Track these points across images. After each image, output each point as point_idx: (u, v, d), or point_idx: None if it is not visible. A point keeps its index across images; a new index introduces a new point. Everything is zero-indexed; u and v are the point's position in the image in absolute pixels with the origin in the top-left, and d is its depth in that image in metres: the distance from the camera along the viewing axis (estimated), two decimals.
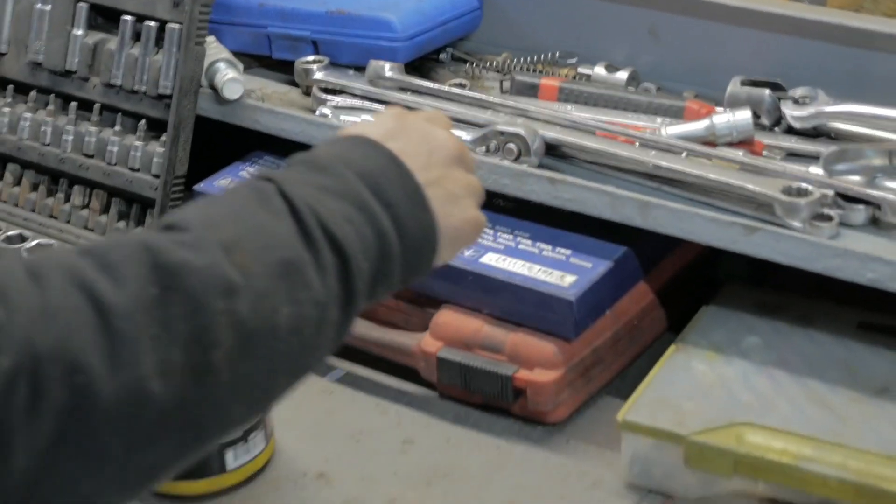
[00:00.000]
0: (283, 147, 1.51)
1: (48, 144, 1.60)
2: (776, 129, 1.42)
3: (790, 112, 1.39)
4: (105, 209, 1.58)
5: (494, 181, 1.38)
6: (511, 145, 1.39)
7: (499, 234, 1.40)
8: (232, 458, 1.28)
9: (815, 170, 1.31)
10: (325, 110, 1.51)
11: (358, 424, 1.37)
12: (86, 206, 1.59)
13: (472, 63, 1.61)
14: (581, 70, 1.55)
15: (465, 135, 1.40)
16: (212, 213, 0.90)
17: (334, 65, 1.55)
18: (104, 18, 1.59)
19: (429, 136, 1.04)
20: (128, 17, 1.55)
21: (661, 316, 1.43)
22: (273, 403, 0.93)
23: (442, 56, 1.63)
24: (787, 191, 1.27)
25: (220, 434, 0.88)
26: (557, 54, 1.57)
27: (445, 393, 1.39)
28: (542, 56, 1.57)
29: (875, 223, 1.27)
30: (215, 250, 0.85)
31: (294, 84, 1.58)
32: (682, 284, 1.45)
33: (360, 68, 1.54)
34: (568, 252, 1.37)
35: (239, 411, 0.88)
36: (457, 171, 1.05)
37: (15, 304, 0.78)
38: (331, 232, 0.91)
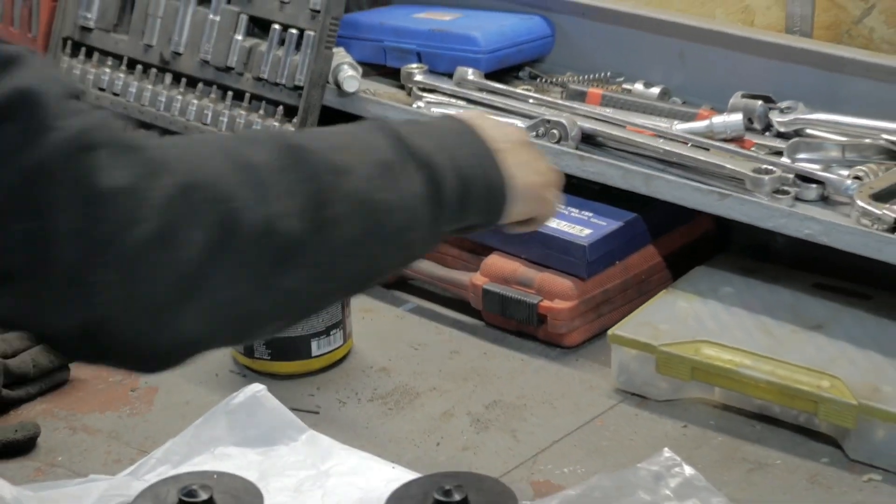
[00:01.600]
0: None
1: (207, 124, 2.05)
2: (767, 133, 1.78)
3: (775, 118, 1.76)
4: None
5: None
6: (554, 131, 1.79)
7: None
8: (316, 347, 1.68)
9: (784, 159, 1.68)
10: (420, 104, 1.93)
11: (418, 339, 1.77)
12: None
13: (542, 79, 2.01)
14: (625, 86, 1.93)
15: (520, 123, 1.81)
16: (326, 133, 1.23)
17: (432, 71, 1.97)
18: (258, 27, 2.03)
19: (500, 125, 1.34)
20: (276, 26, 1.99)
21: (668, 276, 1.79)
22: (368, 283, 1.22)
23: (521, 73, 2.03)
24: (756, 170, 1.64)
25: (332, 287, 1.15)
26: (609, 73, 1.96)
27: (489, 321, 1.78)
28: (597, 74, 1.96)
29: (825, 200, 1.63)
30: (328, 148, 1.15)
31: (401, 87, 2.01)
32: (689, 252, 1.82)
33: (450, 74, 1.96)
34: (590, 214, 1.76)
35: (346, 269, 1.14)
36: (526, 153, 1.32)
37: (182, 154, 1.07)
38: (423, 154, 1.18)
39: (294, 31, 1.98)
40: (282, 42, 1.99)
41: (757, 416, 1.56)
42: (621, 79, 1.95)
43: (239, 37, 2.04)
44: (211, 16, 2.06)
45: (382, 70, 2.05)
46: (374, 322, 1.81)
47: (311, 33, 1.96)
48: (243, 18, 2.04)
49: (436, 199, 1.19)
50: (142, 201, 1.01)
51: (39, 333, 1.09)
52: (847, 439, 1.48)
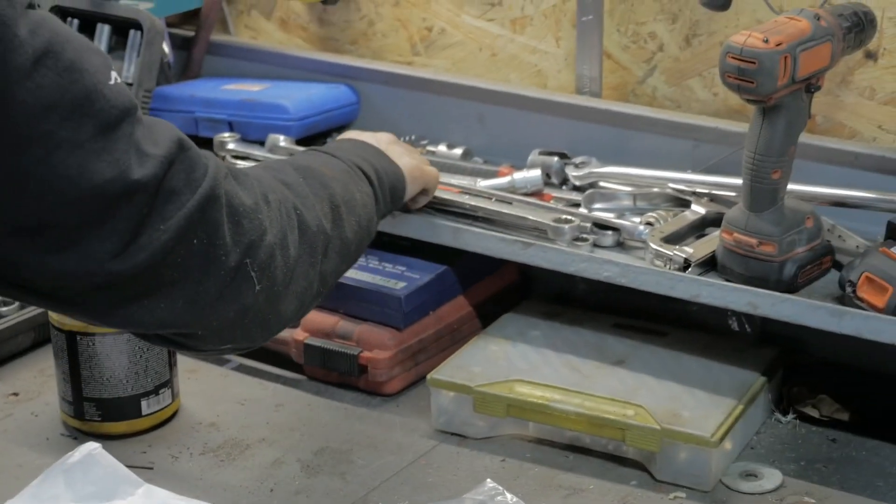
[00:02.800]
0: None
1: None
2: (564, 186, 1.91)
3: (571, 173, 1.89)
4: None
5: None
6: None
7: None
8: (146, 406, 1.73)
9: (582, 209, 1.81)
10: None
11: (244, 395, 1.84)
12: None
13: None
14: (429, 148, 2.04)
15: None
16: (304, 158, 1.59)
17: (245, 140, 2.05)
18: None
19: (375, 133, 1.74)
20: None
21: (478, 324, 1.90)
22: (354, 263, 1.57)
23: (328, 140, 2.13)
24: (557, 220, 1.77)
25: (344, 268, 1.53)
26: (413, 137, 2.07)
27: (310, 374, 1.86)
28: (402, 138, 2.07)
29: (621, 245, 1.76)
30: (317, 165, 1.54)
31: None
32: (497, 301, 1.93)
33: (261, 142, 2.05)
34: (403, 268, 1.86)
35: (349, 253, 1.52)
36: (399, 146, 1.73)
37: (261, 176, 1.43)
38: (358, 164, 1.60)
39: None
40: None
41: (569, 447, 1.67)
42: (425, 142, 2.06)
43: None
44: None
45: (195, 141, 2.12)
46: (199, 381, 1.87)
47: None
48: None
49: (376, 194, 1.61)
50: (264, 216, 1.34)
51: (185, 332, 1.33)
52: (653, 462, 1.61)
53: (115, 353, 1.70)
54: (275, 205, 1.37)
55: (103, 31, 2.07)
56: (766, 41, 1.51)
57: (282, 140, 2.01)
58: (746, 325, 1.84)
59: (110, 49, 2.06)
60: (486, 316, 1.91)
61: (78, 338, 1.69)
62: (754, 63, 1.50)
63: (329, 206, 1.47)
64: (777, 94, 1.53)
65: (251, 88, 2.12)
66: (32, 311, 1.90)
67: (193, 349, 1.39)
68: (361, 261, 1.87)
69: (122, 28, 2.06)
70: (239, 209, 1.30)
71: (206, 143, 2.08)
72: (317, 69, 2.16)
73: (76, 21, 2.08)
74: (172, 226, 1.24)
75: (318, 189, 1.48)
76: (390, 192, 1.65)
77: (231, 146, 2.04)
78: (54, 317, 1.71)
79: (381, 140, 1.71)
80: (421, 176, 1.74)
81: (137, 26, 2.04)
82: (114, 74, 1.22)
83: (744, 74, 1.51)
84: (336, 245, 1.48)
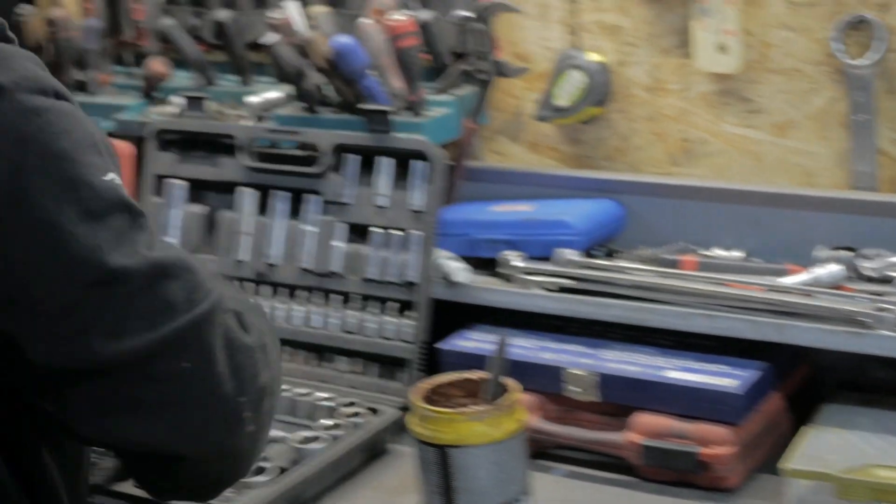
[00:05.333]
0: (493, 317, 2.10)
1: (316, 328, 2.17)
2: (857, 278, 2.01)
3: (865, 265, 1.99)
4: (364, 372, 2.14)
5: (660, 320, 1.97)
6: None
7: (670, 358, 1.98)
8: None
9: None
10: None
11: (580, 500, 1.91)
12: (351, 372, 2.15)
13: (618, 254, 2.20)
14: (702, 252, 2.14)
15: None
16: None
17: (528, 257, 2.14)
18: (355, 233, 2.18)
19: None
20: (377, 229, 2.14)
21: (791, 416, 1.99)
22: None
23: (594, 251, 2.22)
24: (878, 309, 1.86)
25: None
26: (684, 243, 2.17)
27: (646, 475, 1.93)
28: (674, 245, 2.16)
29: None
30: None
31: (493, 275, 2.16)
32: (801, 393, 2.02)
33: (542, 258, 2.13)
34: (725, 367, 1.94)
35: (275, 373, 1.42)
36: None
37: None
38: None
39: (397, 232, 2.13)
40: (385, 243, 2.14)
41: None
42: (695, 247, 2.15)
43: (339, 243, 2.17)
44: (305, 227, 2.20)
45: (471, 261, 2.21)
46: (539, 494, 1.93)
47: (417, 232, 2.11)
48: (340, 226, 2.18)
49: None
50: (260, 359, 1.33)
51: (165, 461, 1.31)
52: None
53: (486, 464, 1.76)
54: (269, 352, 1.37)
55: (381, 163, 2.16)
56: None
57: (569, 254, 2.10)
58: None
59: (394, 181, 2.15)
60: (795, 408, 1.99)
61: (449, 450, 1.75)
62: None
63: (268, 336, 1.42)
64: None
65: (522, 208, 2.21)
66: (367, 432, 1.97)
67: (161, 485, 1.38)
68: (677, 362, 1.96)
69: (403, 159, 2.15)
70: (235, 342, 1.30)
71: (486, 264, 2.18)
72: (574, 186, 2.26)
73: (355, 156, 2.18)
74: (162, 334, 1.24)
75: (265, 329, 1.43)
76: None
77: (517, 263, 2.13)
78: (423, 431, 1.77)
79: None
80: None
81: (420, 157, 2.13)
82: (112, 175, 1.26)
83: None
84: (271, 364, 1.42)
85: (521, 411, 1.73)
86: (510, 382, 1.75)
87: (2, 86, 1.21)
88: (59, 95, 1.25)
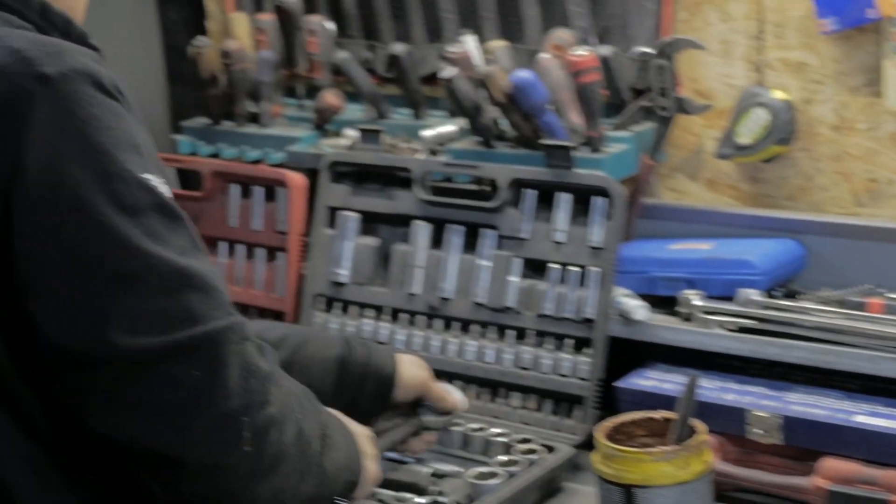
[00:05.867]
0: (669, 356, 2.07)
1: (489, 363, 2.15)
2: None
3: None
4: (538, 408, 2.12)
5: (846, 363, 1.92)
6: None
7: (857, 402, 1.92)
8: None
9: None
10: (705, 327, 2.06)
11: None
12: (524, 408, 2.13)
13: (799, 295, 2.15)
14: (888, 295, 2.08)
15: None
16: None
17: (708, 296, 2.11)
18: (531, 268, 2.16)
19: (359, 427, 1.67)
20: (554, 265, 2.12)
21: None
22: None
23: (773, 292, 2.18)
24: None
25: (313, 494, 1.47)
26: (869, 285, 2.11)
27: None
28: (859, 287, 2.11)
29: None
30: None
31: (671, 314, 2.13)
32: None
33: (723, 297, 2.10)
34: None
35: (327, 483, 1.50)
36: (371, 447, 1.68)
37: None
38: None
39: (575, 268, 2.11)
40: (562, 279, 2.12)
41: None
42: (882, 290, 2.10)
43: (514, 278, 2.16)
44: (481, 261, 2.18)
45: (649, 299, 2.17)
46: None
47: (596, 269, 2.09)
48: (516, 261, 2.16)
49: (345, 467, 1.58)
50: (272, 390, 1.37)
51: (163, 461, 1.32)
52: None
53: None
54: (285, 391, 1.41)
55: (561, 198, 2.14)
56: None
57: (753, 294, 2.06)
58: None
59: (572, 217, 2.13)
60: None
61: (635, 490, 1.72)
62: None
63: (320, 432, 1.49)
64: None
65: (701, 247, 2.18)
66: (543, 469, 1.94)
67: (161, 495, 1.39)
68: (865, 406, 1.91)
69: (583, 195, 2.13)
70: (251, 366, 1.34)
71: (664, 302, 2.14)
72: (754, 225, 2.22)
73: (533, 192, 2.16)
74: (177, 339, 1.28)
75: (316, 410, 1.52)
76: (345, 480, 1.59)
77: (697, 302, 2.09)
78: (608, 470, 1.74)
79: (359, 434, 1.66)
80: (367, 490, 1.67)
81: (601, 193, 2.11)
82: (150, 175, 1.30)
83: None
84: (316, 472, 1.48)
85: (708, 453, 1.69)
86: (697, 423, 1.72)
87: (48, 75, 1.26)
88: (109, 93, 1.29)
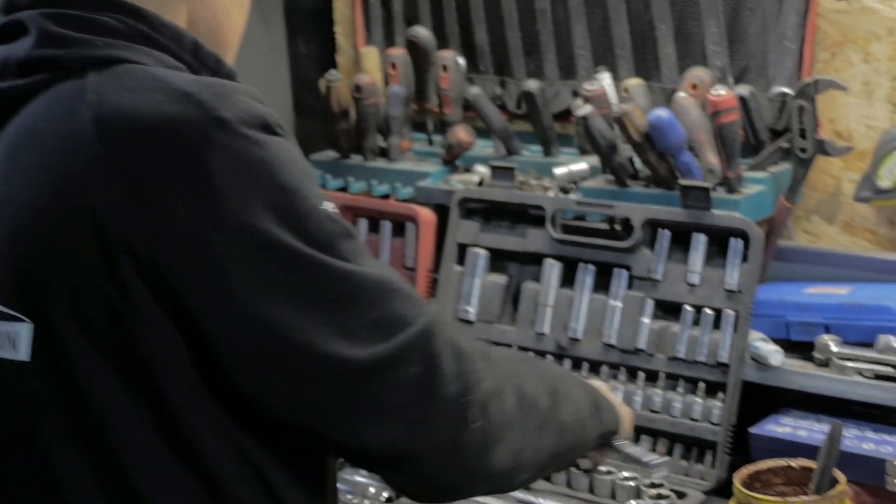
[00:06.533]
0: (803, 402, 2.02)
1: None
2: None
3: None
4: (668, 452, 2.08)
5: None
6: None
7: None
8: None
9: None
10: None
11: None
12: (652, 450, 2.09)
13: None
14: None
15: None
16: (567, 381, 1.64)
17: (845, 342, 2.06)
18: (663, 310, 2.13)
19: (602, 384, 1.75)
20: (688, 307, 2.09)
21: None
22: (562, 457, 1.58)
23: None
24: None
25: (556, 446, 1.53)
26: None
27: None
28: None
29: None
30: (566, 398, 1.58)
31: (806, 359, 2.08)
32: None
33: (861, 343, 2.05)
34: None
35: (568, 433, 1.56)
36: (614, 395, 1.77)
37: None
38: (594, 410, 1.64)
39: (709, 311, 2.07)
40: (695, 322, 2.09)
41: None
42: None
43: (646, 319, 2.13)
44: (612, 302, 2.16)
45: (783, 344, 2.13)
46: None
47: (731, 312, 2.05)
48: (649, 303, 2.13)
49: (592, 408, 1.64)
50: (480, 366, 1.39)
51: (402, 459, 1.35)
52: None
53: None
54: (495, 363, 1.44)
55: (699, 239, 2.11)
56: None
57: (893, 341, 2.01)
58: None
59: (706, 258, 2.10)
60: None
61: None
62: None
63: (547, 388, 1.53)
64: None
65: (838, 291, 2.13)
66: None
67: (407, 487, 1.42)
68: None
69: (719, 237, 2.10)
70: (458, 349, 1.37)
71: (800, 347, 2.10)
72: (892, 270, 2.16)
73: (668, 232, 2.13)
74: (395, 344, 1.31)
75: (538, 371, 1.57)
76: (605, 417, 1.67)
77: (835, 349, 2.05)
78: None
79: (600, 386, 1.73)
80: (628, 428, 1.75)
81: (738, 234, 2.07)
82: (329, 204, 1.32)
83: None
84: (553, 426, 1.52)
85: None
86: (838, 473, 1.68)
87: (225, 119, 1.26)
88: (277, 131, 1.30)
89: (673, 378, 2.11)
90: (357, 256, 1.32)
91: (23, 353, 1.30)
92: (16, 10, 1.35)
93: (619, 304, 2.16)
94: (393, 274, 1.35)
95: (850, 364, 2.02)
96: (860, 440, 1.96)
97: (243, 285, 1.26)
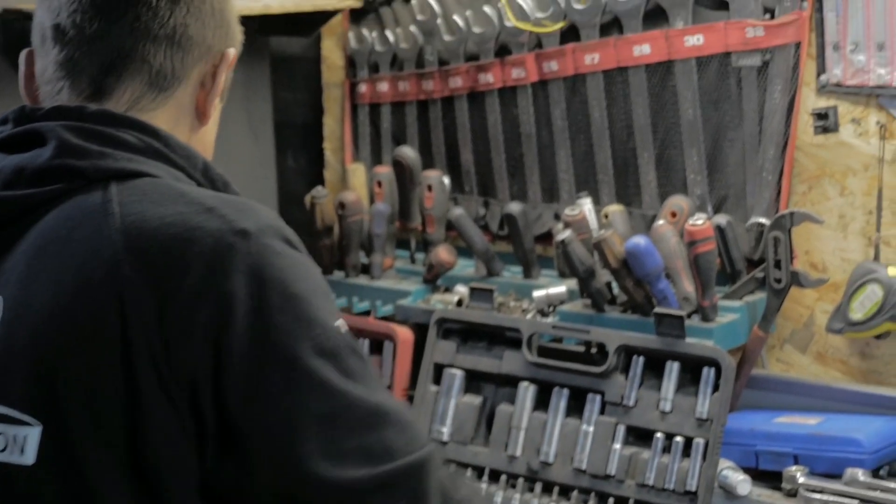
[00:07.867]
0: None
1: None
2: None
3: None
4: None
5: None
6: None
7: None
8: None
9: None
10: None
11: None
12: None
13: None
14: None
15: None
16: None
17: (812, 473, 2.06)
18: (635, 436, 2.14)
19: None
20: (659, 434, 2.10)
21: None
22: None
23: (880, 471, 2.13)
24: None
25: None
26: None
27: None
28: None
29: None
30: None
31: (773, 488, 2.09)
32: None
33: (829, 475, 2.05)
34: None
35: None
36: None
37: None
38: None
39: (679, 438, 2.08)
40: (665, 449, 2.10)
41: None
42: None
43: (617, 445, 2.14)
44: (584, 426, 2.17)
45: (752, 473, 2.14)
46: None
47: (701, 440, 2.06)
48: (621, 428, 2.14)
49: None
50: None
51: None
52: None
53: None
54: None
55: (672, 367, 2.13)
56: None
57: (860, 474, 2.02)
58: None
59: (679, 385, 2.12)
60: None
61: None
62: None
63: None
64: None
65: (808, 421, 2.14)
66: None
67: None
68: None
69: (693, 365, 2.12)
70: (448, 494, 1.36)
71: (768, 476, 2.11)
72: (863, 402, 2.18)
73: (642, 358, 2.15)
74: (379, 473, 1.30)
75: None
76: None
77: (802, 480, 2.05)
78: None
79: None
80: None
81: (710, 363, 2.09)
82: (341, 321, 1.35)
83: None
84: None
85: None
86: None
87: (248, 230, 1.31)
88: (294, 245, 1.35)
89: None
90: (359, 376, 1.33)
91: (30, 457, 1.31)
92: (30, 120, 1.40)
93: (591, 428, 2.17)
94: (396, 406, 1.36)
95: (816, 497, 2.03)
96: None
97: (247, 389, 1.29)
